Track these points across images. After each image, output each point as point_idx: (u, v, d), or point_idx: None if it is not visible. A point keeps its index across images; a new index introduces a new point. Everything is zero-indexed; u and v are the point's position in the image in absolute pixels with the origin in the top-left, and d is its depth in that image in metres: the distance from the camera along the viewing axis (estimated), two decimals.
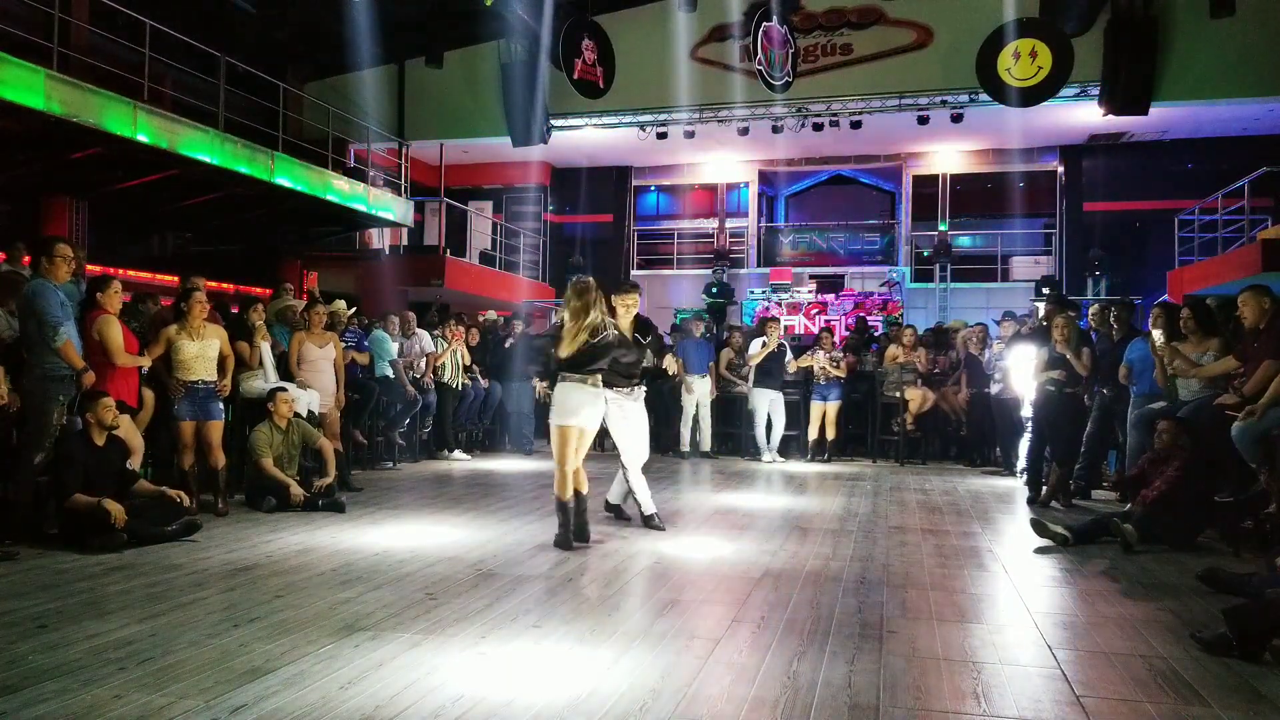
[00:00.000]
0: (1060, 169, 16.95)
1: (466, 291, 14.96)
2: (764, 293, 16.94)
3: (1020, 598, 4.50)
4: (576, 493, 5.61)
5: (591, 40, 14.79)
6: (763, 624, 3.94)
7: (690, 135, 15.60)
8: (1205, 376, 6.32)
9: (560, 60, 14.42)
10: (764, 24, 14.02)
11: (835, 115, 14.79)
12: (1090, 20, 13.45)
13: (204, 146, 10.12)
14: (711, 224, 18.86)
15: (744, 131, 15.40)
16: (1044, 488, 7.54)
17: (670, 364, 5.97)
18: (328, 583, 4.52)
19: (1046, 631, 3.92)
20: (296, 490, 6.56)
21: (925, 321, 15.09)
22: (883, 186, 18.82)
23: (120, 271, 10.09)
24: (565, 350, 5.49)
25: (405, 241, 16.32)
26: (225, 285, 12.42)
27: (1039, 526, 5.79)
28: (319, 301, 8.45)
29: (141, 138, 9.26)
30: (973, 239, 18.32)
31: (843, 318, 15.85)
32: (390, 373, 9.19)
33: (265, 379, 7.31)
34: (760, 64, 14.16)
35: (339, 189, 12.56)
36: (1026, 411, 8.49)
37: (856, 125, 14.76)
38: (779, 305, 16.35)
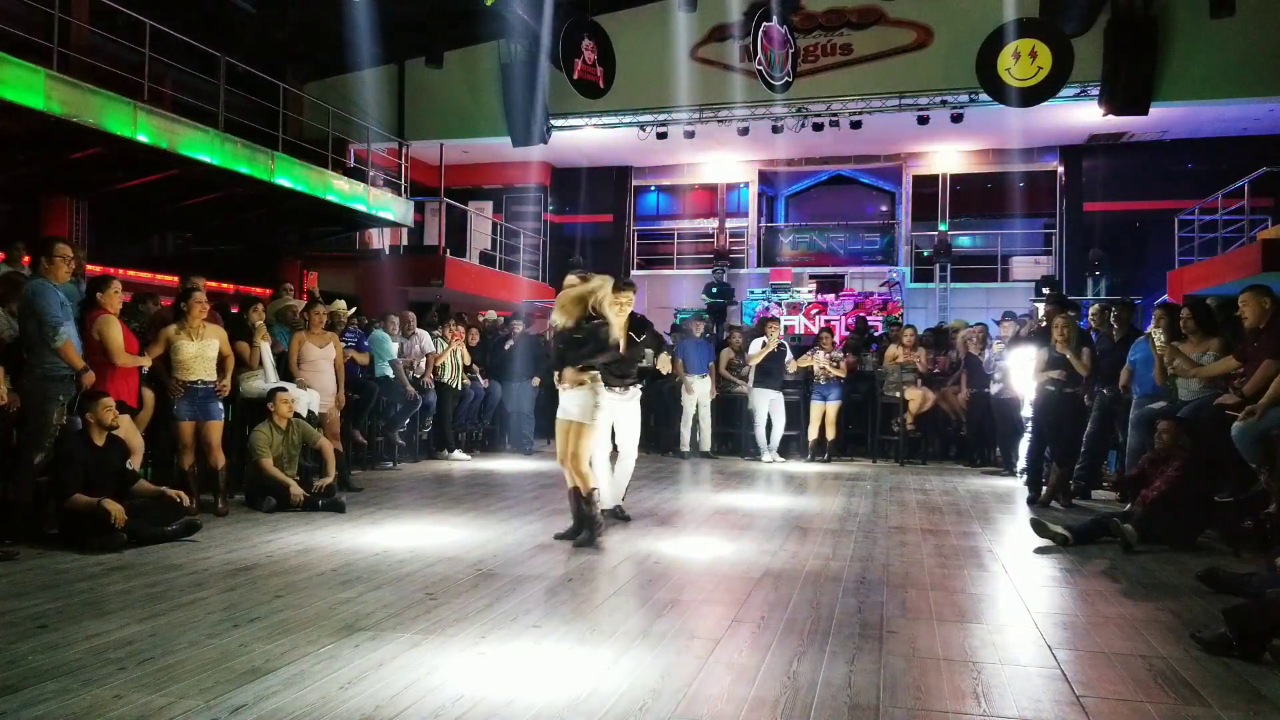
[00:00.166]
0: (1060, 169, 16.95)
1: (466, 291, 14.96)
2: (764, 293, 16.94)
3: (1020, 598, 4.50)
4: (575, 490, 5.63)
5: (591, 40, 14.78)
6: (763, 624, 3.94)
7: (690, 135, 15.59)
8: (1205, 376, 6.32)
9: (560, 60, 14.42)
10: (764, 24, 14.01)
11: (835, 115, 14.78)
12: (1090, 20, 13.44)
13: (204, 146, 10.12)
14: (711, 224, 18.86)
15: (744, 131, 15.40)
16: (1044, 488, 7.54)
17: (665, 363, 5.97)
18: (328, 583, 4.52)
19: (1046, 631, 3.92)
20: (296, 490, 6.56)
21: (925, 321, 15.09)
22: (883, 186, 18.82)
23: (120, 271, 10.09)
24: (561, 319, 5.54)
25: (405, 241, 16.31)
26: (225, 285, 12.42)
27: (1039, 526, 5.79)
28: (319, 301, 8.45)
29: (141, 138, 9.26)
30: (973, 239, 18.32)
31: (843, 318, 15.86)
32: (390, 373, 9.19)
33: (265, 379, 7.30)
34: (760, 64, 14.15)
35: (339, 189, 12.56)
36: (1026, 411, 8.50)
37: (856, 125, 14.76)
38: (779, 305, 16.36)
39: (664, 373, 6.15)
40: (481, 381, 10.66)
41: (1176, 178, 15.69)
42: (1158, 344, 6.61)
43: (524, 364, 10.88)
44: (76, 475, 5.29)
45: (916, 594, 4.51)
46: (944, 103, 14.31)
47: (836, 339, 11.79)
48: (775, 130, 15.25)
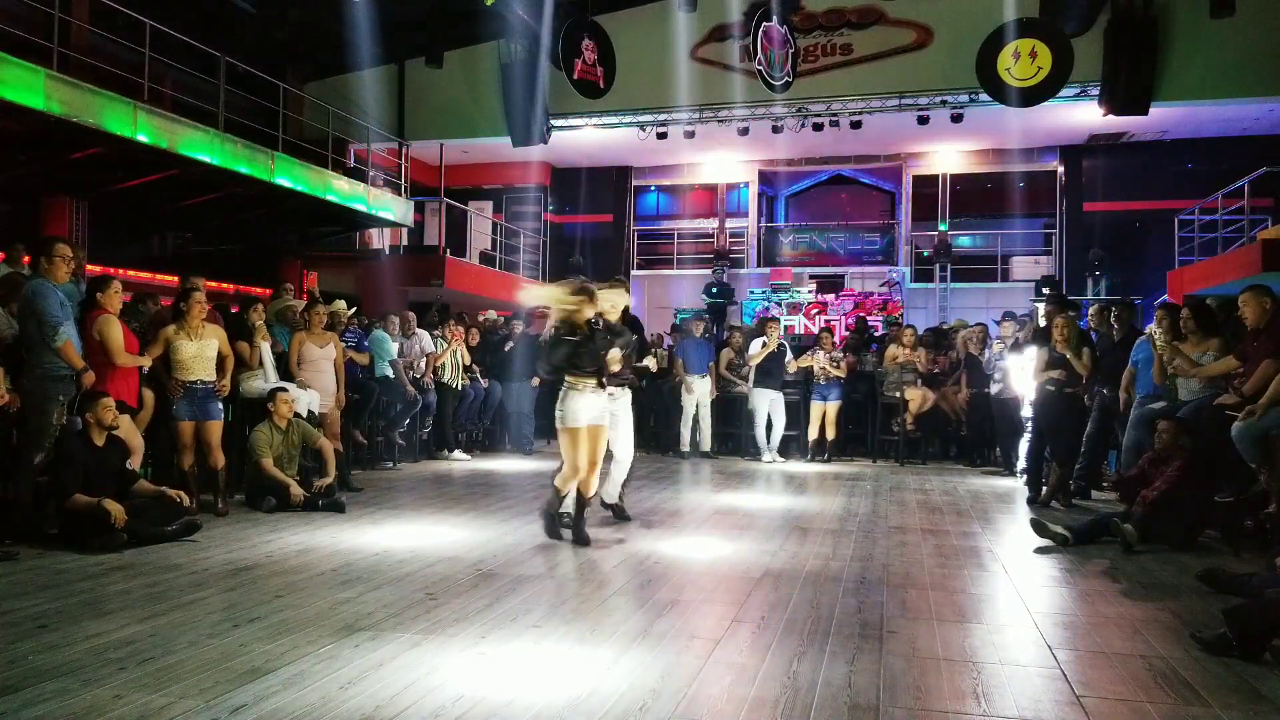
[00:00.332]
0: (1060, 169, 16.95)
1: (466, 291, 14.96)
2: (764, 293, 16.94)
3: (1020, 598, 4.50)
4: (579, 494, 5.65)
5: (591, 40, 14.78)
6: (763, 624, 3.94)
7: (690, 135, 15.59)
8: (1205, 376, 6.32)
9: (560, 60, 14.42)
10: (764, 24, 14.01)
11: (835, 115, 14.78)
12: (1090, 20, 13.44)
13: (204, 146, 10.12)
14: (711, 224, 18.86)
15: (744, 131, 15.40)
16: (1044, 488, 7.54)
17: (650, 363, 5.95)
18: (328, 583, 4.52)
19: (1046, 631, 3.92)
20: (296, 490, 6.56)
21: (925, 321, 15.10)
22: (883, 186, 18.82)
23: (120, 271, 10.08)
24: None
25: (405, 241, 16.31)
26: (225, 285, 12.41)
27: (1039, 526, 5.79)
28: (319, 301, 8.44)
29: (141, 138, 9.26)
30: (973, 239, 18.32)
31: (843, 318, 15.86)
32: (390, 373, 9.19)
33: (265, 379, 7.31)
34: (760, 64, 14.15)
35: (339, 189, 12.56)
36: (1026, 411, 8.50)
37: (856, 125, 14.76)
38: (779, 305, 16.36)
39: (651, 370, 6.11)
40: (481, 381, 10.66)
41: (1176, 178, 15.68)
42: (1158, 343, 6.61)
43: (524, 364, 10.86)
44: (76, 475, 5.29)
45: (916, 594, 4.51)
46: (944, 103, 14.31)
47: (836, 339, 11.79)
48: (775, 130, 15.25)
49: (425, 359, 9.86)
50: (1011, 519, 6.83)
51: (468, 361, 10.49)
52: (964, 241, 18.23)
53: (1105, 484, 8.08)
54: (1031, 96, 13.15)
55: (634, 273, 18.88)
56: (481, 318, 12.42)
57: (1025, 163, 16.99)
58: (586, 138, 16.47)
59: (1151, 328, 7.20)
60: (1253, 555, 5.42)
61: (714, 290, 17.13)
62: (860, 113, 14.65)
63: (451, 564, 4.96)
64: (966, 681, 3.28)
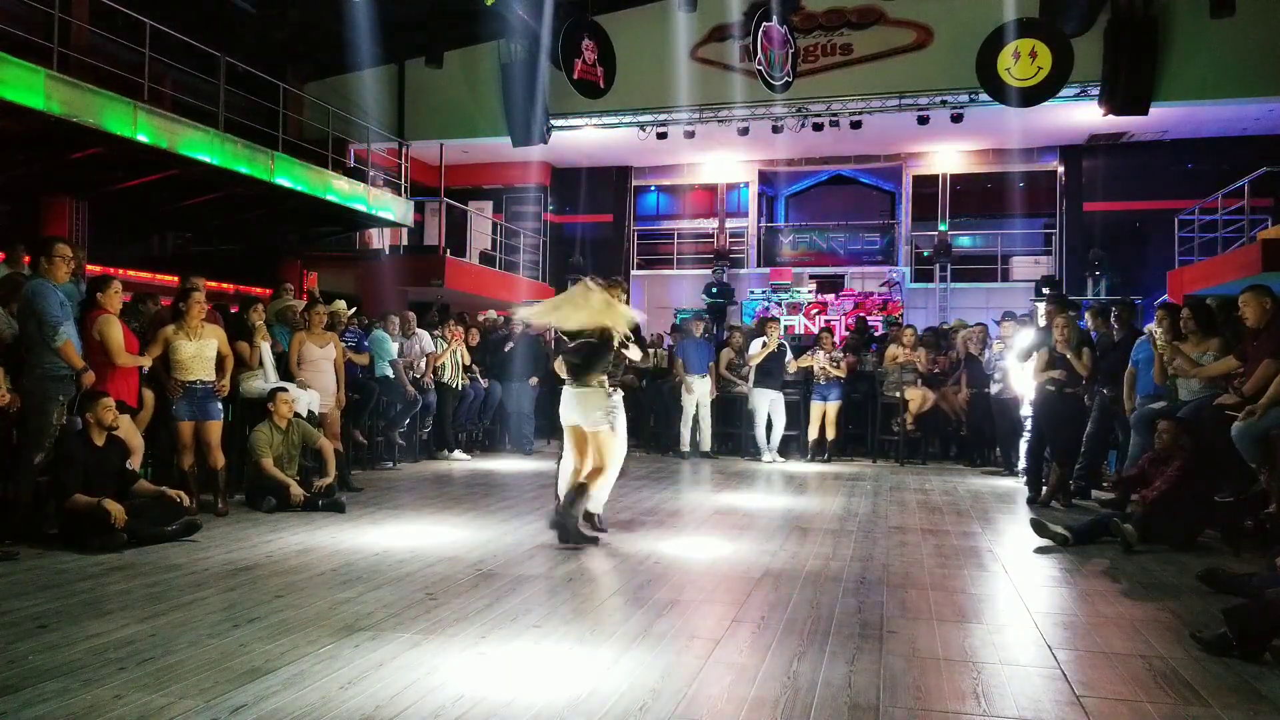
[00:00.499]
0: (1060, 169, 16.94)
1: (466, 291, 14.96)
2: (764, 293, 16.94)
3: (1020, 598, 4.50)
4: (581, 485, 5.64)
5: (591, 40, 14.78)
6: (763, 624, 3.94)
7: (690, 135, 15.59)
8: (1206, 376, 6.32)
9: (560, 60, 14.42)
10: (764, 24, 14.01)
11: (835, 115, 14.78)
12: (1090, 20, 13.44)
13: (204, 146, 10.12)
14: (711, 224, 18.86)
15: (744, 131, 15.39)
16: (1044, 488, 7.54)
17: (634, 351, 5.88)
18: (328, 583, 4.52)
19: (1046, 631, 3.92)
20: (296, 490, 6.56)
21: (925, 321, 15.09)
22: (883, 186, 18.82)
23: (120, 271, 10.08)
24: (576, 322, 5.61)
25: (405, 241, 16.31)
26: (225, 285, 12.42)
27: (1039, 526, 5.79)
28: (319, 301, 8.44)
29: (141, 138, 9.26)
30: (973, 239, 18.32)
31: (843, 318, 15.85)
32: (390, 373, 9.19)
33: (265, 379, 7.31)
34: (760, 64, 14.15)
35: (339, 189, 12.56)
36: (1026, 411, 8.50)
37: (856, 125, 14.75)
38: (779, 305, 16.36)
39: (635, 358, 6.04)
40: (481, 381, 10.66)
41: (1176, 178, 15.68)
42: (1159, 343, 6.61)
43: (524, 364, 10.88)
44: (76, 475, 5.29)
45: (916, 594, 4.51)
46: (944, 103, 14.30)
47: (836, 339, 11.79)
48: (775, 130, 15.25)
49: (425, 359, 9.86)
50: (1011, 519, 6.83)
51: (468, 361, 10.49)
52: (964, 241, 18.23)
53: (1105, 484, 8.08)
54: (1031, 96, 13.15)
55: (634, 273, 18.88)
56: (481, 318, 12.42)
57: (1025, 163, 16.99)
58: (586, 138, 16.47)
59: (1151, 327, 7.20)
60: (1253, 555, 5.42)
61: (714, 290, 17.13)
62: (860, 113, 14.65)
63: (451, 564, 4.96)
64: (966, 681, 3.28)
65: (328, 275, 12.74)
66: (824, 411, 10.37)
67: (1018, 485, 8.43)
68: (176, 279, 9.58)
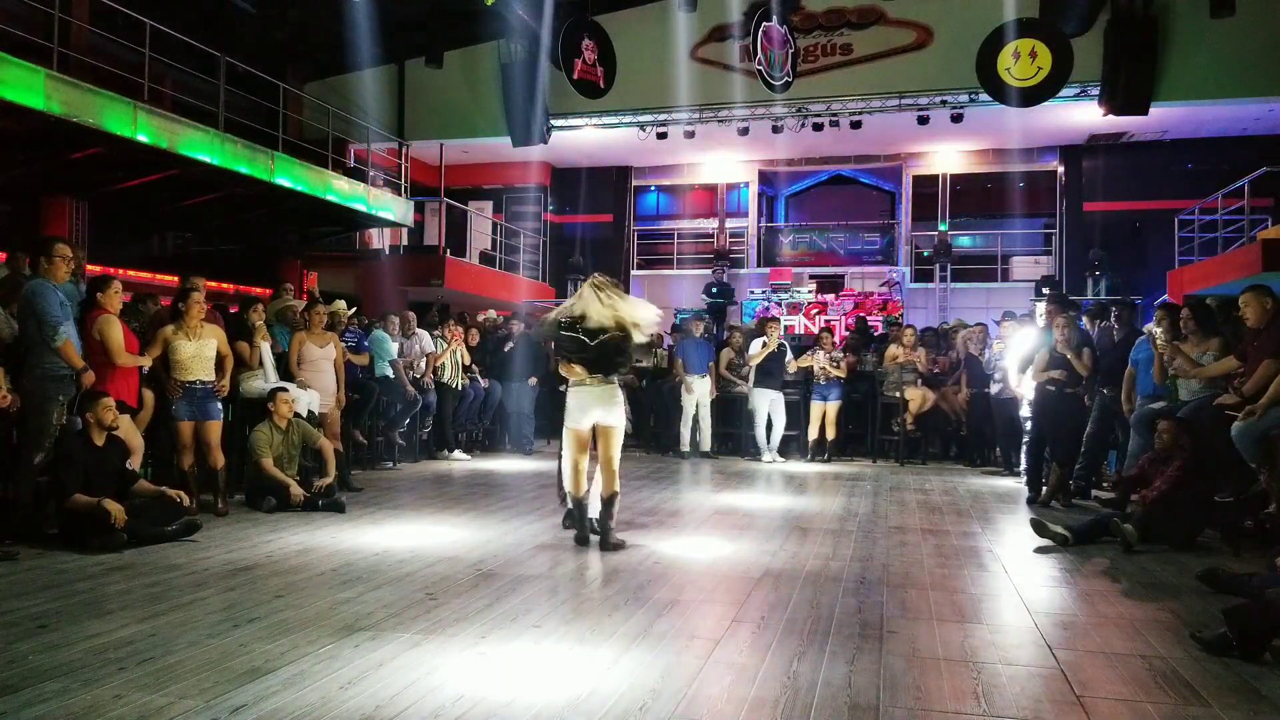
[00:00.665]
0: (1060, 169, 16.94)
1: (466, 291, 14.96)
2: (764, 293, 16.93)
3: (1020, 598, 4.50)
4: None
5: (591, 40, 14.78)
6: (763, 624, 3.94)
7: (690, 135, 15.59)
8: (1206, 376, 6.32)
9: (560, 60, 14.42)
10: (764, 24, 14.01)
11: (835, 115, 14.78)
12: (1090, 20, 13.44)
13: (204, 146, 10.12)
14: (711, 224, 18.86)
15: (744, 131, 15.39)
16: (1044, 488, 7.54)
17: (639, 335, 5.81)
18: (328, 583, 4.52)
19: (1046, 631, 3.92)
20: (296, 490, 6.56)
21: (925, 322, 15.09)
22: (883, 186, 18.81)
23: (120, 271, 10.08)
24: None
25: (405, 241, 16.31)
26: (225, 285, 12.42)
27: (1039, 526, 5.79)
28: (319, 301, 8.44)
29: (141, 138, 9.26)
30: (973, 239, 18.32)
31: (843, 318, 15.85)
32: (390, 373, 9.19)
33: (265, 379, 7.31)
34: (760, 64, 14.15)
35: (339, 189, 12.56)
36: (1026, 412, 8.50)
37: (856, 125, 14.75)
38: (779, 305, 16.35)
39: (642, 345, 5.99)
40: (481, 381, 10.66)
41: (1176, 178, 15.68)
42: (1159, 343, 6.61)
43: (524, 364, 10.88)
44: (76, 475, 5.29)
45: (916, 594, 4.51)
46: (944, 103, 14.30)
47: (836, 339, 11.79)
48: (775, 130, 15.24)
49: (425, 359, 9.86)
50: (1011, 519, 6.83)
51: (467, 361, 10.49)
52: (964, 241, 18.22)
53: (1105, 484, 8.08)
54: (1031, 96, 13.15)
55: (634, 273, 18.88)
56: (481, 318, 12.42)
57: (1025, 163, 16.99)
58: (586, 138, 16.46)
59: (1150, 327, 7.20)
60: (1253, 555, 5.42)
61: (714, 290, 17.12)
62: (860, 113, 14.65)
63: (451, 564, 4.96)
64: (966, 681, 3.28)
65: (328, 275, 12.75)
66: (824, 411, 10.36)
67: (1018, 485, 8.43)
68: (176, 279, 9.58)
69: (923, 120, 14.56)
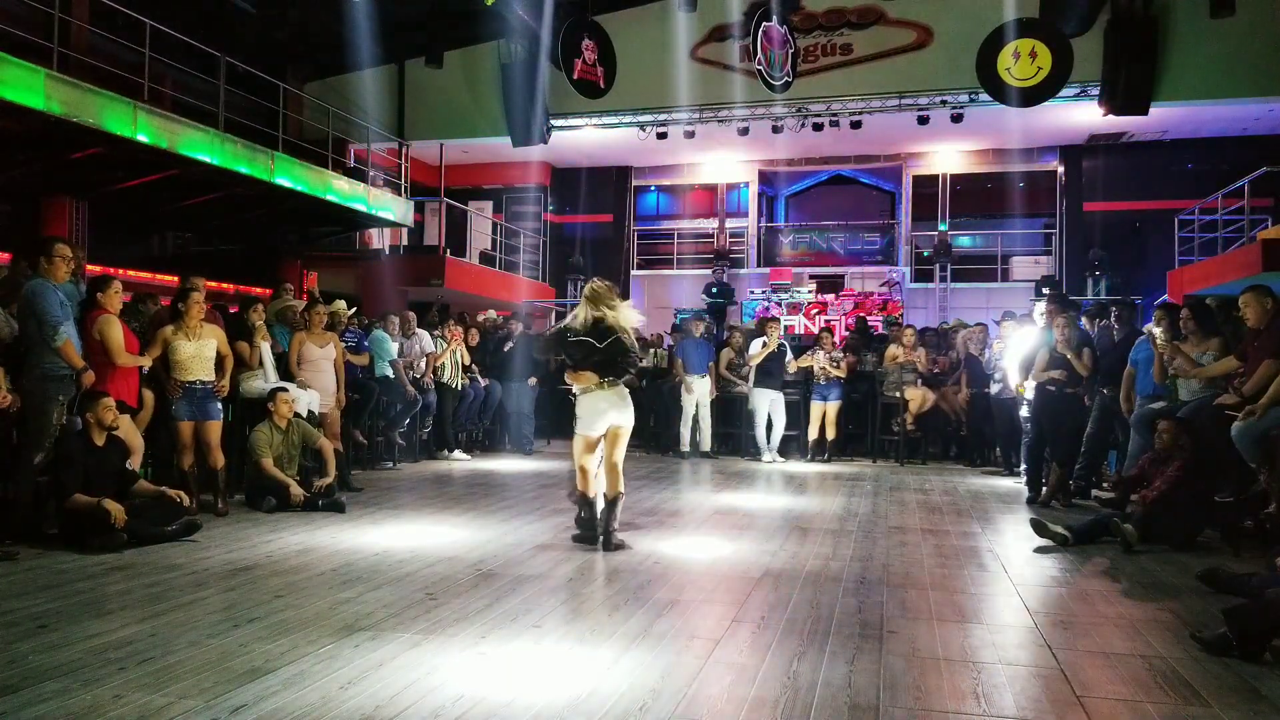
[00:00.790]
0: (1060, 169, 16.94)
1: (466, 291, 14.96)
2: (764, 293, 16.93)
3: (1020, 598, 4.50)
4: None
5: (591, 40, 14.78)
6: (763, 624, 3.94)
7: (690, 135, 15.60)
8: (1206, 377, 6.31)
9: (560, 60, 14.42)
10: (764, 24, 14.01)
11: (835, 115, 14.79)
12: (1090, 20, 13.45)
13: (204, 146, 10.12)
14: (711, 224, 18.86)
15: (744, 131, 15.40)
16: (1044, 488, 7.54)
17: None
18: (328, 583, 4.52)
19: (1046, 631, 3.92)
20: (296, 490, 6.56)
21: (925, 322, 15.09)
22: (883, 186, 18.82)
23: (120, 271, 10.09)
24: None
25: (405, 241, 16.31)
26: (225, 285, 12.42)
27: (1039, 526, 5.79)
28: (319, 301, 8.44)
29: (141, 138, 9.26)
30: (973, 239, 18.32)
31: (843, 318, 15.85)
32: (390, 373, 9.19)
33: (265, 379, 7.31)
34: (760, 64, 14.15)
35: (339, 189, 12.56)
36: (1025, 412, 8.50)
37: (856, 125, 14.76)
38: (779, 305, 16.35)
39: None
40: (481, 381, 10.66)
41: (1176, 178, 15.69)
42: (1159, 343, 6.61)
43: (524, 364, 10.88)
44: (76, 475, 5.29)
45: (916, 594, 4.51)
46: (944, 103, 14.31)
47: (836, 339, 11.79)
48: (775, 130, 15.25)
49: (425, 359, 9.86)
50: (1011, 519, 6.83)
51: (467, 361, 10.48)
52: (964, 241, 18.23)
53: (1105, 484, 8.08)
54: (1031, 96, 13.15)
55: (634, 273, 18.89)
56: (481, 318, 12.42)
57: (1025, 163, 16.99)
58: (586, 138, 16.47)
59: (1150, 327, 7.20)
60: (1253, 555, 5.42)
61: (714, 290, 17.12)
62: (860, 113, 14.66)
63: (451, 564, 4.96)
64: (966, 681, 3.28)
65: (328, 275, 12.74)
66: (824, 411, 10.36)
67: (1018, 485, 8.43)
68: (176, 279, 9.59)
69: (923, 120, 14.57)
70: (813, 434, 10.45)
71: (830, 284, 17.55)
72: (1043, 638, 3.83)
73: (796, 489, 8.28)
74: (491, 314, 12.96)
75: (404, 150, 15.30)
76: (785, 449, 10.54)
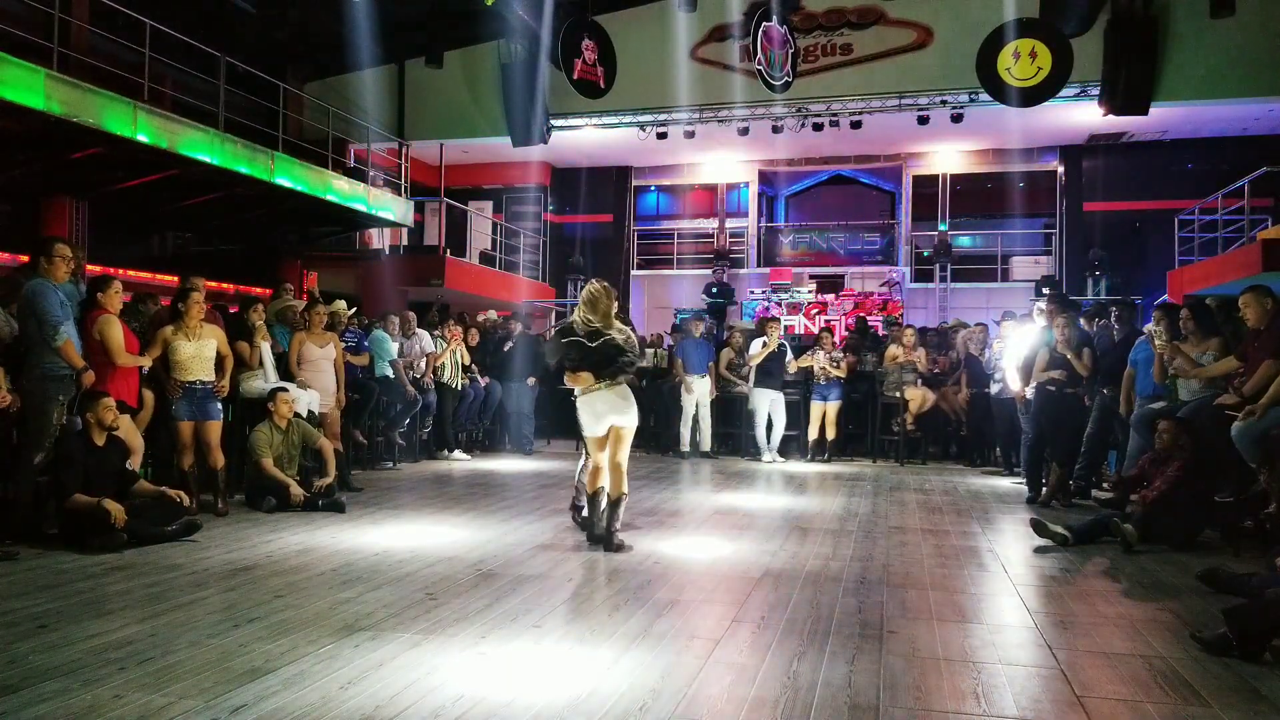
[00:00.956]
0: (1060, 169, 16.94)
1: (466, 291, 14.96)
2: (764, 293, 16.94)
3: (1020, 598, 4.50)
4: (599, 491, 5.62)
5: (591, 40, 14.78)
6: (763, 624, 3.94)
7: (690, 135, 15.60)
8: (1206, 377, 6.31)
9: (560, 60, 14.42)
10: (764, 24, 14.01)
11: (835, 115, 14.79)
12: (1090, 20, 13.45)
13: (204, 146, 10.12)
14: (711, 224, 18.86)
15: (744, 131, 15.40)
16: (1044, 488, 7.54)
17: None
18: (328, 583, 4.52)
19: (1046, 631, 3.92)
20: (296, 490, 6.56)
21: (925, 322, 15.09)
22: (883, 186, 18.82)
23: (120, 271, 10.08)
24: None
25: (405, 241, 16.31)
26: (225, 285, 12.42)
27: (1039, 526, 5.80)
28: (319, 301, 8.44)
29: (141, 138, 9.26)
30: (973, 239, 18.32)
31: (843, 318, 15.85)
32: (390, 373, 9.19)
33: (265, 379, 7.30)
34: (760, 64, 14.15)
35: (339, 189, 12.56)
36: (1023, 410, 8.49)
37: (856, 125, 14.76)
38: (779, 305, 16.35)
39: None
40: (481, 381, 10.66)
41: (1176, 178, 15.69)
42: (1159, 343, 6.61)
43: (523, 364, 10.88)
44: (76, 475, 5.29)
45: (916, 594, 4.51)
46: (944, 103, 14.31)
47: (836, 339, 11.79)
48: (775, 130, 15.25)
49: (425, 359, 9.86)
50: (1011, 519, 6.82)
51: (467, 361, 10.48)
52: (964, 241, 18.23)
53: (1105, 484, 8.08)
54: (1031, 96, 13.15)
55: (634, 273, 18.89)
56: (481, 318, 12.42)
57: (1025, 163, 16.99)
58: (586, 138, 16.47)
59: (1150, 327, 7.20)
60: (1253, 555, 5.42)
61: (714, 290, 17.13)
62: (860, 113, 14.66)
63: (451, 564, 4.96)
64: (966, 681, 3.28)
65: (328, 275, 12.73)
66: (824, 411, 10.36)
67: (1018, 485, 8.43)
68: (176, 279, 9.58)
69: (923, 120, 14.57)
70: (813, 434, 10.45)
71: (830, 284, 17.55)
72: (1043, 638, 3.83)
73: (796, 489, 8.28)
74: (491, 314, 12.96)
75: (404, 150, 15.30)
76: (785, 449, 10.54)
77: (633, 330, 5.73)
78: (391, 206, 13.94)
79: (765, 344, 10.26)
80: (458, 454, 10.18)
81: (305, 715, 2.86)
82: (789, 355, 10.53)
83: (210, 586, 4.43)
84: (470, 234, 17.31)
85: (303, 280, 11.91)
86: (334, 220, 13.72)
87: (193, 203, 11.66)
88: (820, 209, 19.37)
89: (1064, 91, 13.25)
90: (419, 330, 9.99)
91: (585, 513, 5.80)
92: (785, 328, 12.61)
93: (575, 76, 14.63)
